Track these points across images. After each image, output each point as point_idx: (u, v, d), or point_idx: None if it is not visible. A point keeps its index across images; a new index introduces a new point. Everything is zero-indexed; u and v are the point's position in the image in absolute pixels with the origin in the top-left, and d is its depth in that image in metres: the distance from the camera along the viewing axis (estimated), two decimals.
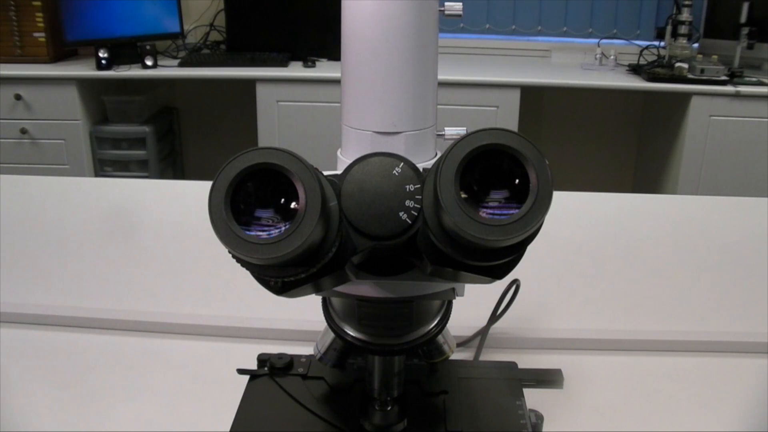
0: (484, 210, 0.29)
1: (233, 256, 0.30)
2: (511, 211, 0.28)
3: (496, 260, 0.31)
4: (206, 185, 0.28)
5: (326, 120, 2.48)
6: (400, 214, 0.30)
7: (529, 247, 0.32)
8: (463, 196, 0.28)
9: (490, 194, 0.29)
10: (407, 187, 0.31)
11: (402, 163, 0.31)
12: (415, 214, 0.30)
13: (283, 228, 0.28)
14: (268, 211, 0.29)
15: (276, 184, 0.28)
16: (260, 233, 0.28)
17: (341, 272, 0.32)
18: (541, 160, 0.28)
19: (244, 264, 0.30)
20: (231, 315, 0.75)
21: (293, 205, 0.28)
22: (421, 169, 0.34)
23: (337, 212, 0.30)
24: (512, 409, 0.53)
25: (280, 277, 0.30)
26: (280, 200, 0.29)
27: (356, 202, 0.30)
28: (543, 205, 0.27)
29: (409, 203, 0.30)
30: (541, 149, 0.28)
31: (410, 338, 0.46)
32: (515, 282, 0.70)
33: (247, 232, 0.27)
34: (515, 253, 0.31)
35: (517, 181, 0.29)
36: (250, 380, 0.57)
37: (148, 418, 0.62)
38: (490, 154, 0.28)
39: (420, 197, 0.31)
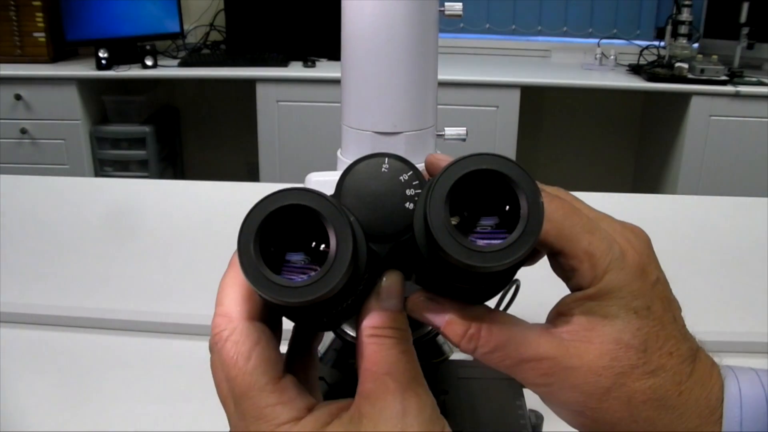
0: (474, 236, 0.28)
1: (267, 301, 0.30)
2: (501, 238, 0.28)
3: (483, 285, 0.31)
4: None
5: (326, 120, 2.48)
6: (406, 205, 0.30)
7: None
8: (454, 222, 0.28)
9: (481, 220, 0.29)
10: (402, 177, 0.31)
11: (386, 159, 0.31)
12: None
13: (317, 270, 0.28)
14: (299, 254, 0.29)
15: (300, 222, 0.28)
16: (294, 276, 0.28)
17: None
18: (533, 187, 0.28)
19: (280, 308, 0.30)
20: None
21: (323, 247, 0.28)
22: (420, 170, 0.34)
23: (362, 234, 0.30)
24: (512, 409, 0.53)
25: (324, 314, 0.30)
26: (305, 237, 0.28)
27: (361, 213, 0.30)
28: (532, 232, 0.27)
29: (410, 192, 0.31)
30: (534, 178, 0.28)
31: None
32: (515, 282, 0.70)
33: (283, 277, 0.27)
34: (503, 279, 0.31)
35: (507, 207, 0.28)
36: None
37: (148, 418, 0.62)
38: (481, 179, 0.28)
39: (417, 182, 0.31)
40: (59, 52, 2.67)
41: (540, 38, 3.06)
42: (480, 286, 0.31)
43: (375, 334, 0.30)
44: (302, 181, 0.41)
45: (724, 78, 2.46)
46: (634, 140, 3.14)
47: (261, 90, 2.53)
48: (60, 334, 0.76)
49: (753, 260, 0.96)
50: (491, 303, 0.74)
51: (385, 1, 0.38)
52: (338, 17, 0.40)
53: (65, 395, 0.66)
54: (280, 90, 2.54)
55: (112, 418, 0.63)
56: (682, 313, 0.34)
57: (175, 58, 2.78)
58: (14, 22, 2.56)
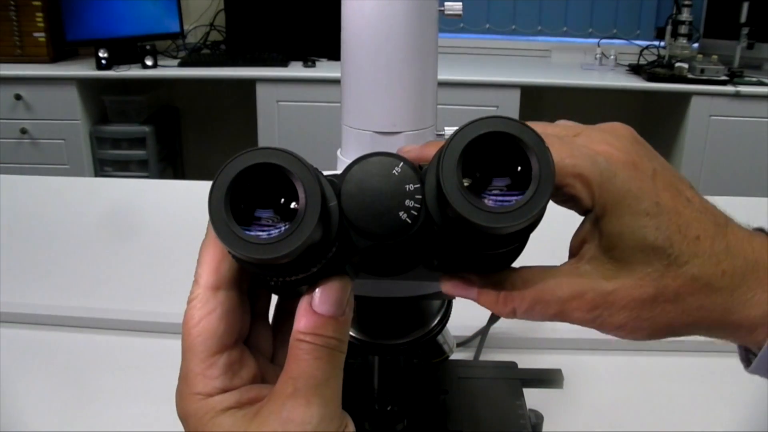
0: (488, 198, 0.29)
1: (233, 257, 0.30)
2: (514, 198, 0.28)
3: (501, 248, 0.31)
4: (206, 185, 0.28)
5: (326, 120, 2.48)
6: (400, 213, 0.30)
7: (530, 247, 0.32)
8: (466, 184, 0.28)
9: (493, 182, 0.30)
10: (407, 186, 0.31)
11: (402, 163, 0.31)
12: (415, 213, 0.31)
13: (283, 228, 0.28)
14: (268, 211, 0.29)
15: (276, 184, 0.28)
16: (260, 233, 0.28)
17: (342, 273, 0.32)
18: (543, 146, 0.28)
19: (245, 264, 0.30)
20: None
21: (293, 205, 0.28)
22: (421, 169, 0.34)
23: (338, 212, 0.30)
24: (512, 409, 0.53)
25: (281, 277, 0.30)
26: (280, 200, 0.29)
27: (356, 201, 0.30)
28: (545, 190, 0.28)
29: (408, 203, 0.31)
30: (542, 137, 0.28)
31: (410, 338, 0.46)
32: None
33: (248, 233, 0.28)
34: (519, 240, 0.31)
35: (519, 168, 0.29)
36: None
37: (148, 418, 0.62)
38: (491, 142, 0.29)
39: (420, 197, 0.31)
40: (59, 52, 2.67)
41: (540, 38, 3.06)
42: (498, 249, 0.31)
43: (297, 339, 0.30)
44: None
45: (724, 78, 2.45)
46: None
47: (261, 90, 2.53)
48: (60, 334, 0.76)
49: None
50: None
51: (384, 1, 0.38)
52: (338, 17, 0.41)
53: (65, 395, 0.66)
54: (280, 90, 2.54)
55: (111, 418, 0.63)
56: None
57: (175, 58, 2.78)
58: (14, 22, 2.56)
